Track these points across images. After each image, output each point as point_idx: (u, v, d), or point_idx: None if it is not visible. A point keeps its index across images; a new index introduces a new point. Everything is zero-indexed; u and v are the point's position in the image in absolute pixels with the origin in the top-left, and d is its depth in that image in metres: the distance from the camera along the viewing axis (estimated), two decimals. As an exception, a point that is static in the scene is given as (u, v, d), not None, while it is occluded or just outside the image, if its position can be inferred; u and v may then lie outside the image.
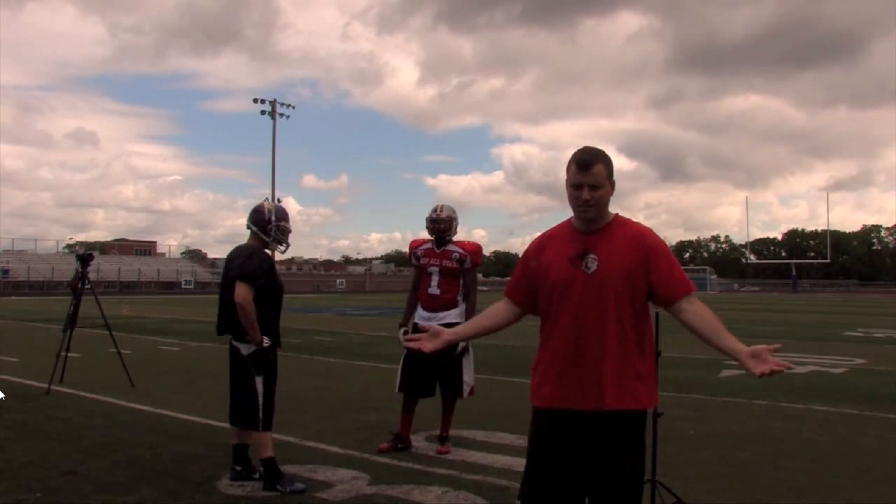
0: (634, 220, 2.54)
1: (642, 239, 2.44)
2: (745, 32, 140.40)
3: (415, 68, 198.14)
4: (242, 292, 4.13)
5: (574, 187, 2.41)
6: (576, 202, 2.42)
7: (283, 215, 4.49)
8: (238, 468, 4.36)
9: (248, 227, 4.44)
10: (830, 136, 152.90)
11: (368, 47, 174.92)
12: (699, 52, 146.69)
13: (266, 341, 4.25)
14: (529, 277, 2.55)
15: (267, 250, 4.44)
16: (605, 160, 2.42)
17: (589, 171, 2.39)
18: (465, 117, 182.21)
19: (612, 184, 2.45)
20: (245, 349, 4.25)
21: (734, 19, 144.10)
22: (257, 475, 4.29)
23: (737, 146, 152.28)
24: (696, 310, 2.39)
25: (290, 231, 4.56)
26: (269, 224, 4.41)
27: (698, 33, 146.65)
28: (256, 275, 4.21)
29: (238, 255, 4.32)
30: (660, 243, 2.47)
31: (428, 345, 2.51)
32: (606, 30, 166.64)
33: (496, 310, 2.65)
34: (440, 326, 2.49)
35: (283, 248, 4.54)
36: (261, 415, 4.23)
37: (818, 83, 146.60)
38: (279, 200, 4.61)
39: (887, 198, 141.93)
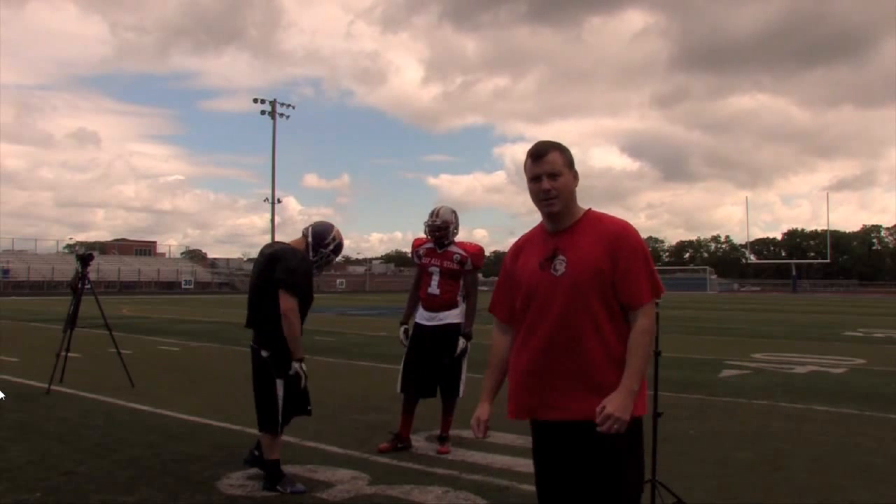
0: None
1: (613, 235, 2.27)
2: (751, 30, 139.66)
3: (419, 67, 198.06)
4: (290, 303, 4.05)
5: (533, 180, 2.31)
6: (538, 197, 2.31)
7: (339, 251, 4.49)
8: (257, 452, 4.35)
9: (304, 234, 4.41)
10: (834, 135, 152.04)
11: (372, 46, 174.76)
12: (705, 50, 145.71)
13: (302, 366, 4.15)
14: (511, 287, 2.45)
15: None
16: (559, 148, 2.33)
17: (543, 160, 2.29)
18: (468, 117, 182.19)
19: (575, 174, 2.34)
20: (266, 351, 4.19)
21: (740, 17, 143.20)
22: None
23: (740, 146, 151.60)
24: (637, 326, 2.24)
25: (331, 265, 4.52)
26: (324, 248, 4.41)
27: (704, 31, 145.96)
28: (302, 284, 4.16)
29: (283, 257, 4.18)
30: (632, 239, 2.28)
31: (479, 433, 2.46)
32: (612, 28, 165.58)
33: (498, 348, 2.50)
34: (477, 415, 2.46)
35: (316, 272, 4.49)
36: (280, 419, 4.20)
37: (824, 82, 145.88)
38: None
39: (890, 197, 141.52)
